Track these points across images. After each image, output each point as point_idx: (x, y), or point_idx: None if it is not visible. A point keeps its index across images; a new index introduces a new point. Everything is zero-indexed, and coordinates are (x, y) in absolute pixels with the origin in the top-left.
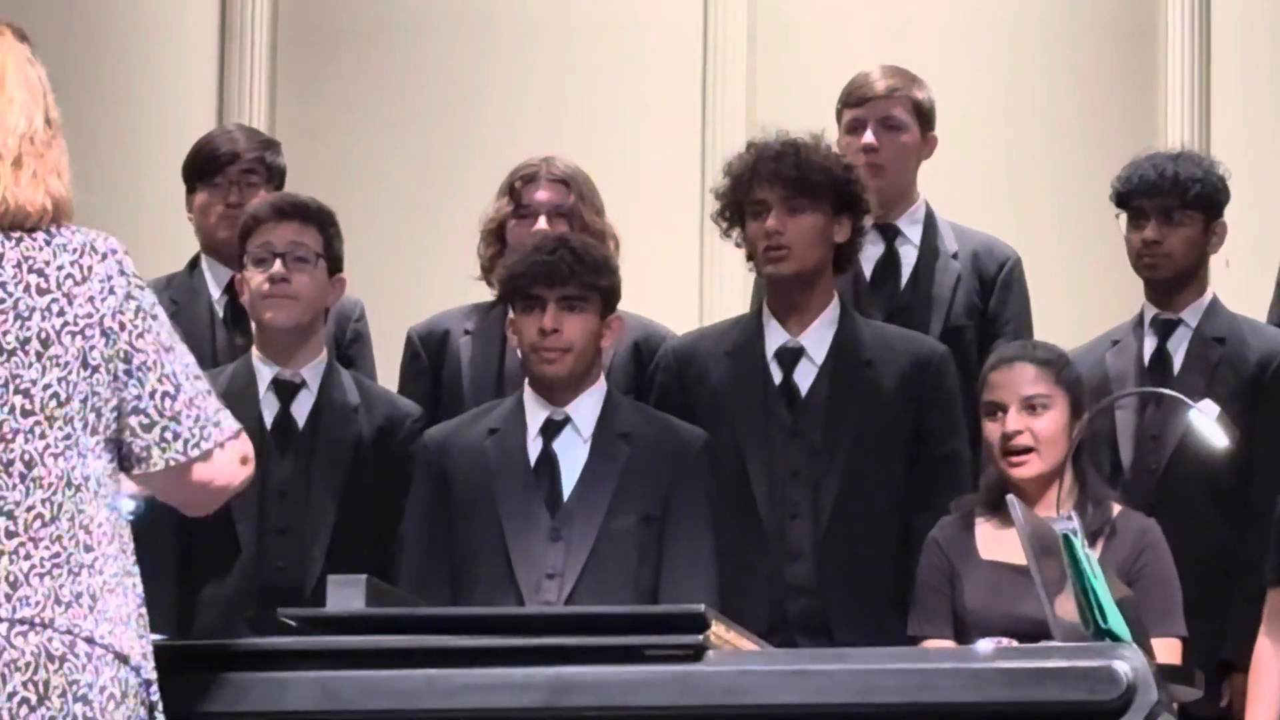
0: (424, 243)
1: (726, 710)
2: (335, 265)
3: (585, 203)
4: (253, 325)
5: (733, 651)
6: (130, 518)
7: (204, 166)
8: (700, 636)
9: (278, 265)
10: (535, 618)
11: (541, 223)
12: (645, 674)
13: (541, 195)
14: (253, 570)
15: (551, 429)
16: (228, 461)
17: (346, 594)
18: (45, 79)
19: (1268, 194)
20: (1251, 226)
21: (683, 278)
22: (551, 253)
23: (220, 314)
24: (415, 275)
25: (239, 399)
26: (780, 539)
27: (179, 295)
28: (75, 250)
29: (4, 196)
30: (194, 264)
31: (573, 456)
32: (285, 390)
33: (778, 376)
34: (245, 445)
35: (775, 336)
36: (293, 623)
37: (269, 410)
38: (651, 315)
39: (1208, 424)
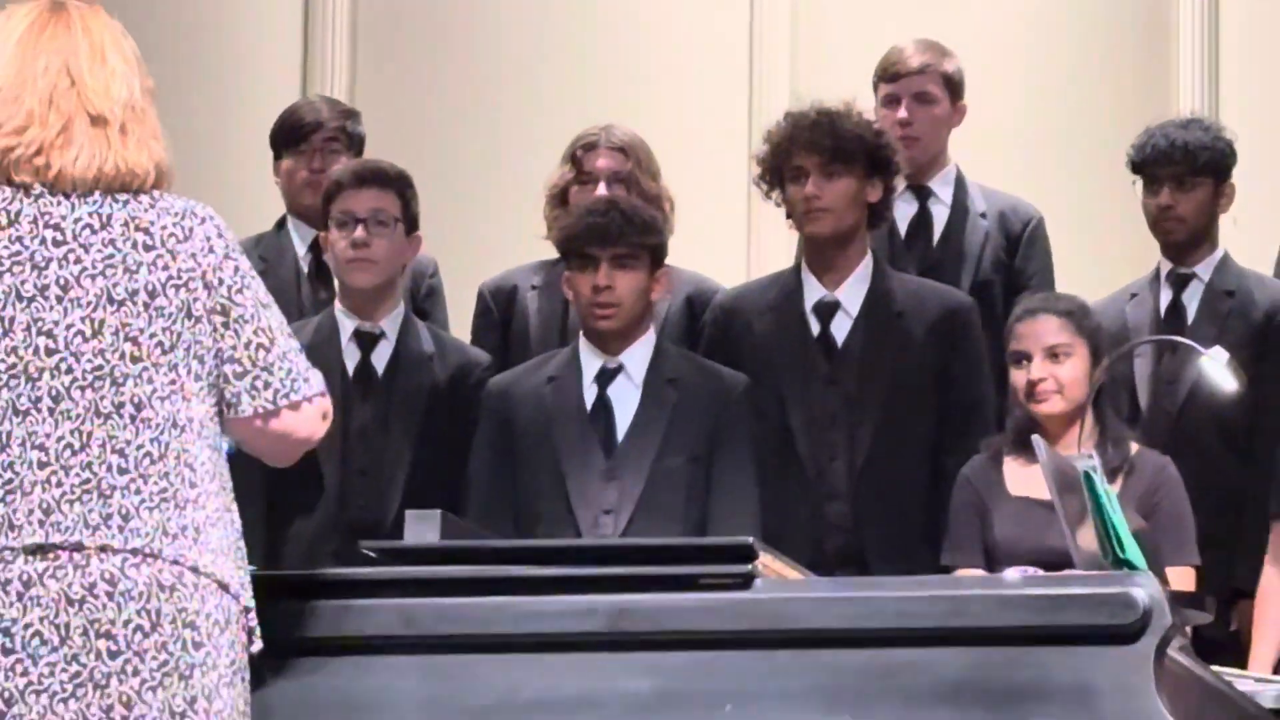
0: (494, 204)
1: (774, 634)
2: (412, 226)
3: (642, 168)
4: (335, 281)
5: (779, 580)
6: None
7: (290, 135)
8: (749, 566)
9: (359, 230)
10: (597, 549)
11: (601, 188)
12: (698, 601)
13: (601, 162)
14: (336, 507)
15: (606, 376)
16: (311, 416)
17: (422, 528)
18: (137, 51)
19: (1272, 156)
20: (1258, 186)
21: (731, 235)
22: (603, 215)
23: (305, 270)
24: (486, 235)
25: (323, 349)
26: (819, 480)
27: (267, 253)
28: (178, 214)
29: (114, 160)
30: (281, 224)
31: (625, 402)
32: (366, 340)
33: (816, 328)
34: (327, 403)
35: (813, 291)
36: (373, 554)
37: (350, 359)
38: (703, 270)
39: (1218, 369)
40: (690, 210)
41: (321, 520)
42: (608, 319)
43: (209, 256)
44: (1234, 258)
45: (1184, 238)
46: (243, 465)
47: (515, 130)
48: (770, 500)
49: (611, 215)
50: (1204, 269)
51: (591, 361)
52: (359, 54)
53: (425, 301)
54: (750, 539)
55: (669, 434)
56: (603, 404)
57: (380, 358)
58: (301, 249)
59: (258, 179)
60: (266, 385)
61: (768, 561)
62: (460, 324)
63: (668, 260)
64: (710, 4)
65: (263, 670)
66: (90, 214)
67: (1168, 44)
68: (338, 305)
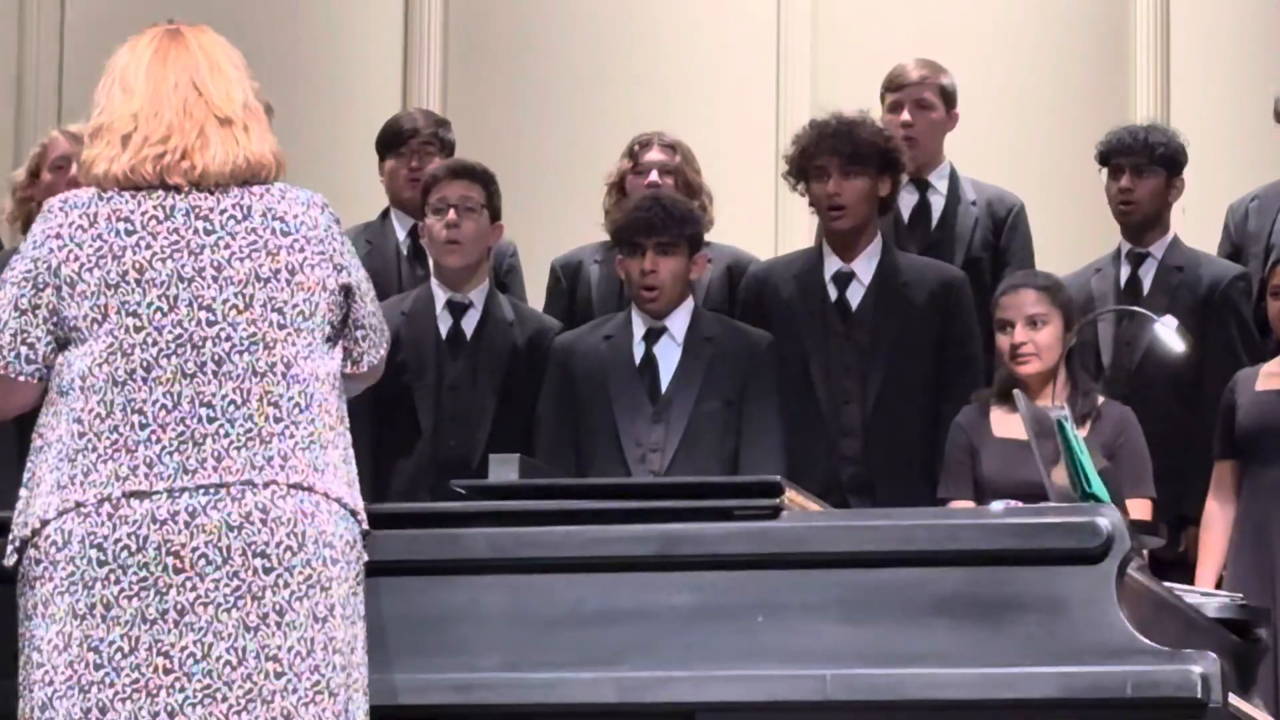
0: (562, 196)
1: (798, 557)
2: (495, 214)
3: (687, 163)
4: (430, 260)
5: (802, 511)
6: None
7: (392, 140)
8: (777, 500)
9: (451, 214)
10: (649, 486)
11: (654, 175)
12: (734, 529)
13: (654, 156)
14: (431, 449)
15: (652, 336)
16: (385, 358)
17: (504, 468)
18: (243, 59)
19: (1216, 156)
20: (1203, 182)
21: (761, 220)
22: (648, 210)
23: (404, 252)
24: (556, 222)
25: (420, 316)
26: (835, 420)
27: (374, 238)
28: (303, 203)
29: (244, 154)
30: (384, 215)
31: (669, 357)
32: (457, 309)
33: (834, 295)
34: (388, 344)
35: (832, 264)
36: (462, 491)
37: (444, 325)
38: (738, 245)
39: (1169, 333)
40: (727, 200)
41: (419, 460)
42: (653, 300)
43: (333, 241)
44: (1182, 240)
45: (1139, 218)
46: (351, 412)
47: (580, 135)
48: (794, 437)
49: (655, 210)
50: (1157, 249)
51: (641, 324)
52: (449, 73)
53: (506, 277)
54: (778, 477)
55: (705, 383)
56: (649, 359)
57: (469, 324)
58: (401, 234)
59: (365, 177)
60: (374, 345)
61: (792, 495)
62: (536, 294)
63: (712, 239)
64: (743, 31)
65: (375, 588)
66: (233, 205)
67: (1126, 60)
68: (433, 280)
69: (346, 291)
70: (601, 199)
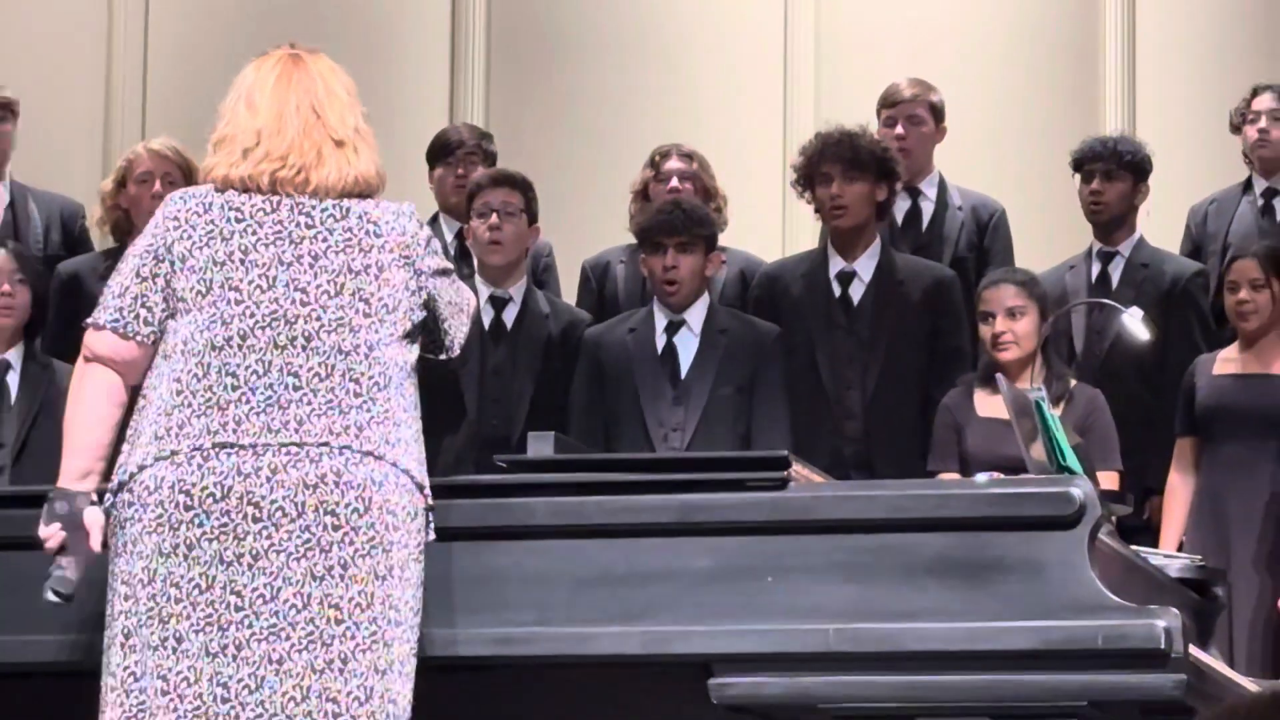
0: (593, 200)
1: (803, 524)
2: (533, 217)
3: (703, 171)
4: (475, 260)
5: (807, 483)
6: None
7: (440, 151)
8: (784, 473)
9: (494, 218)
10: (669, 460)
11: (674, 182)
12: (746, 499)
13: (674, 165)
14: (475, 427)
15: (673, 328)
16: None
17: (540, 444)
18: (353, 84)
19: (1177, 165)
20: (1166, 187)
21: (769, 223)
22: (669, 212)
23: (452, 252)
24: (587, 223)
25: None
26: (838, 404)
27: None
28: (395, 213)
29: (354, 173)
30: (434, 218)
31: (688, 347)
32: (498, 303)
33: (837, 291)
34: (470, 321)
35: (836, 263)
36: (504, 465)
37: (487, 317)
38: (748, 248)
39: (1135, 323)
40: (738, 205)
41: (464, 437)
42: (674, 294)
43: (418, 246)
44: (1147, 240)
45: (1108, 218)
46: None
47: (608, 147)
48: (802, 419)
49: (675, 212)
50: (1125, 247)
51: (662, 317)
52: (491, 92)
53: (543, 274)
54: (785, 452)
55: (720, 370)
56: (670, 348)
57: (509, 316)
58: (449, 236)
59: (416, 184)
60: (458, 333)
61: (798, 469)
62: (568, 292)
63: (725, 242)
64: (753, 54)
65: (428, 551)
66: (333, 206)
67: (1097, 78)
68: (478, 277)
69: (428, 297)
70: (627, 204)
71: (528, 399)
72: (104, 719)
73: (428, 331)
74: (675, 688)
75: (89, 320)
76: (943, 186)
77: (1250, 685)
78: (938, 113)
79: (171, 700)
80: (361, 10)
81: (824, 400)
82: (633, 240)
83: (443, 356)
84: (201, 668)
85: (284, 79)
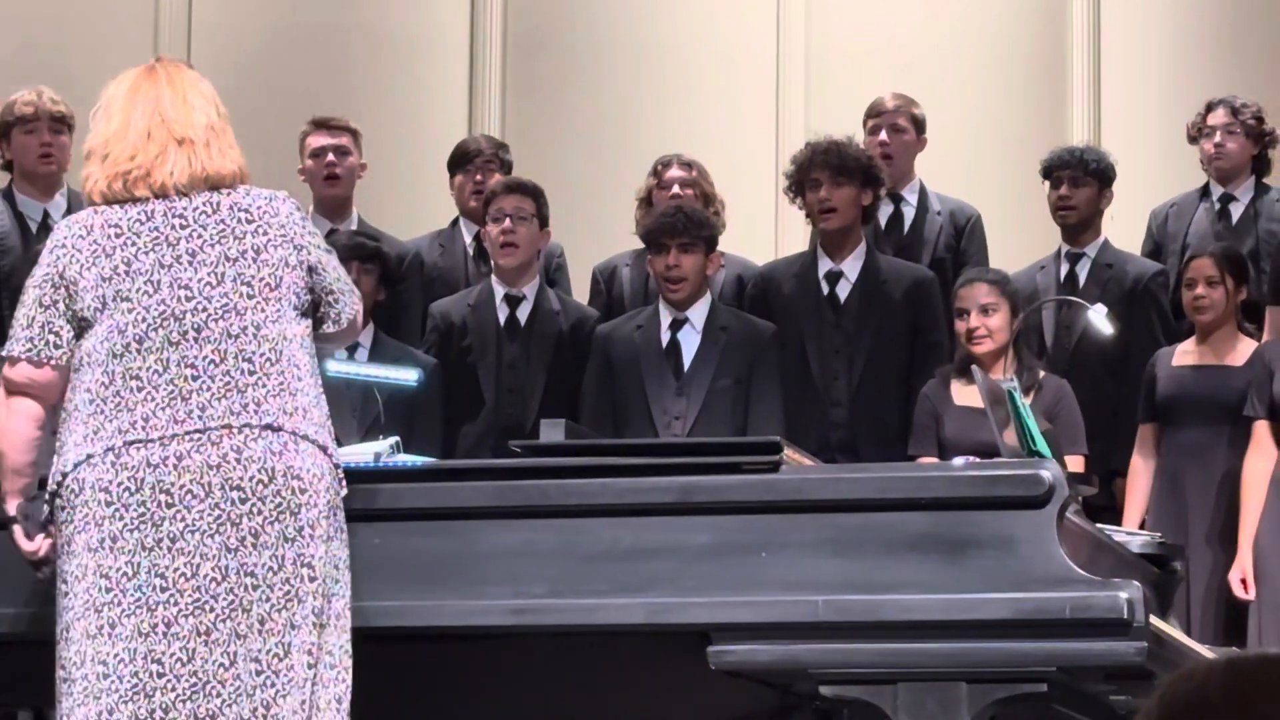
0: (601, 206)
1: (794, 503)
2: (543, 222)
3: (703, 177)
4: (492, 261)
5: (799, 465)
6: (414, 385)
7: (460, 160)
8: (778, 456)
9: (507, 223)
10: (671, 445)
11: (675, 188)
12: (742, 481)
13: (675, 172)
14: (493, 416)
15: (677, 325)
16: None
17: (552, 431)
18: (213, 90)
19: (1139, 172)
20: (1129, 193)
21: (763, 227)
22: (672, 216)
23: (471, 254)
24: (596, 227)
25: (484, 307)
26: (826, 393)
27: (445, 242)
28: (266, 197)
29: (201, 166)
30: (454, 223)
31: (690, 342)
32: (513, 301)
33: (826, 290)
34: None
35: (825, 264)
36: (518, 449)
37: (502, 314)
38: (742, 250)
39: (1100, 319)
40: (733, 210)
41: (482, 425)
42: (677, 291)
43: (294, 226)
44: (1112, 242)
45: (1075, 221)
46: (428, 394)
47: (614, 158)
48: (792, 407)
49: (678, 216)
50: (1091, 249)
51: (666, 315)
52: (507, 105)
53: (555, 274)
54: (779, 438)
55: (720, 364)
56: (674, 344)
57: (523, 313)
58: (468, 239)
59: (438, 191)
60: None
61: (790, 453)
62: (579, 293)
63: (722, 246)
64: (747, 70)
65: (449, 529)
66: (204, 203)
67: (1064, 92)
68: (493, 277)
69: (310, 269)
70: (633, 209)
71: (540, 389)
72: (59, 709)
73: (318, 303)
74: (676, 655)
75: (3, 353)
76: (923, 193)
77: (1206, 652)
78: (919, 124)
79: (112, 682)
80: (386, 31)
81: (813, 389)
82: (638, 244)
83: (330, 328)
84: (135, 648)
85: (134, 89)
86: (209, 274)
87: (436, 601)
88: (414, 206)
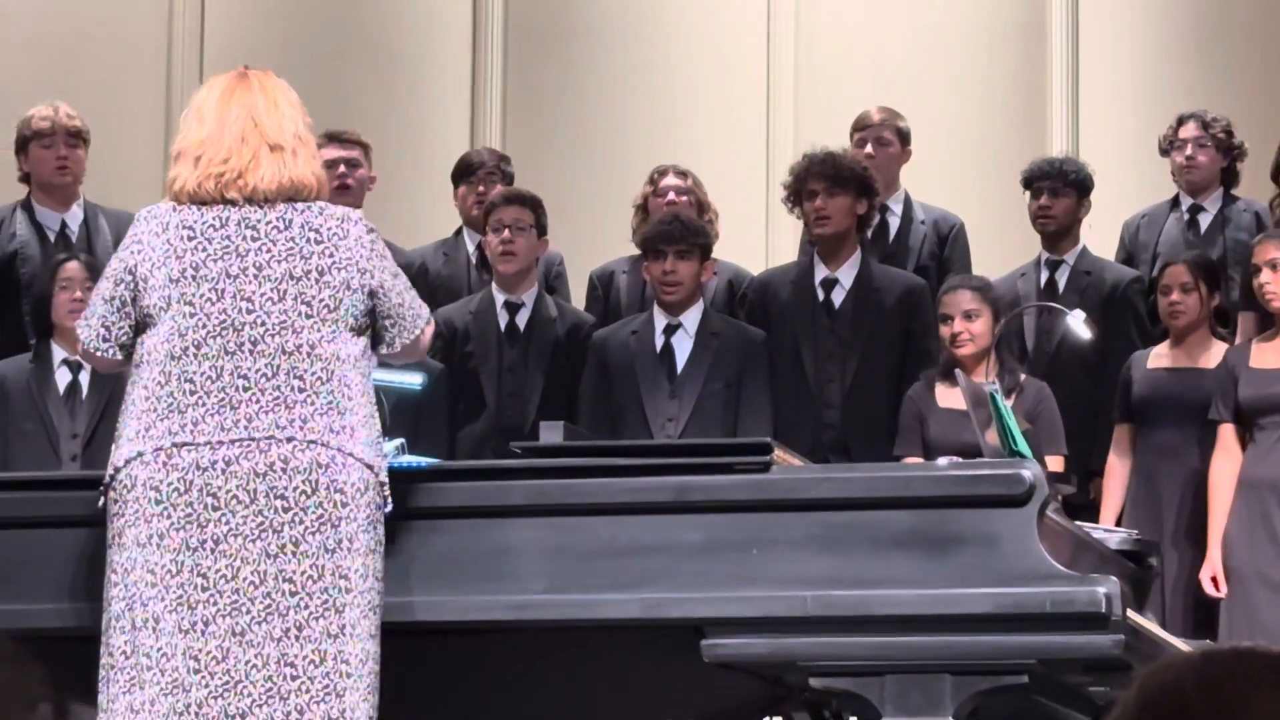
0: (599, 215)
1: (784, 502)
2: (542, 231)
3: (697, 186)
4: (492, 269)
5: (789, 466)
6: (419, 388)
7: (464, 171)
8: (769, 457)
9: (507, 233)
10: (666, 446)
11: (671, 196)
12: (734, 480)
13: (670, 181)
14: (494, 418)
15: (670, 330)
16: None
17: (551, 433)
18: (299, 99)
19: (1115, 183)
20: (1105, 203)
21: (754, 235)
22: (668, 223)
23: (473, 261)
24: (594, 236)
25: (485, 314)
26: (820, 395)
27: (449, 250)
28: (338, 218)
29: (289, 174)
30: (458, 232)
31: (683, 347)
32: (512, 308)
33: (821, 296)
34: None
35: (820, 271)
36: (518, 450)
37: (502, 320)
38: (733, 257)
39: (1078, 324)
40: (725, 219)
41: (484, 427)
42: (672, 295)
43: (361, 249)
44: (1090, 250)
45: (1054, 230)
46: (434, 397)
47: (612, 169)
48: (787, 407)
49: (674, 223)
50: (1070, 257)
51: (661, 320)
52: (508, 119)
53: (555, 281)
54: (769, 438)
55: (712, 368)
56: (668, 348)
57: (522, 319)
58: (471, 248)
59: (441, 201)
60: (404, 329)
61: (781, 454)
62: (578, 298)
63: (715, 253)
64: (738, 84)
65: (451, 528)
66: (277, 218)
67: (1044, 106)
68: (494, 284)
69: (371, 292)
70: (629, 218)
71: (539, 392)
72: (105, 694)
73: (376, 325)
74: (671, 648)
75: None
76: (908, 203)
77: (1181, 644)
78: (904, 136)
79: (154, 674)
80: (392, 50)
81: (807, 391)
82: (635, 251)
83: (384, 350)
84: (176, 644)
85: (227, 94)
86: (272, 289)
87: (440, 597)
88: (419, 217)
